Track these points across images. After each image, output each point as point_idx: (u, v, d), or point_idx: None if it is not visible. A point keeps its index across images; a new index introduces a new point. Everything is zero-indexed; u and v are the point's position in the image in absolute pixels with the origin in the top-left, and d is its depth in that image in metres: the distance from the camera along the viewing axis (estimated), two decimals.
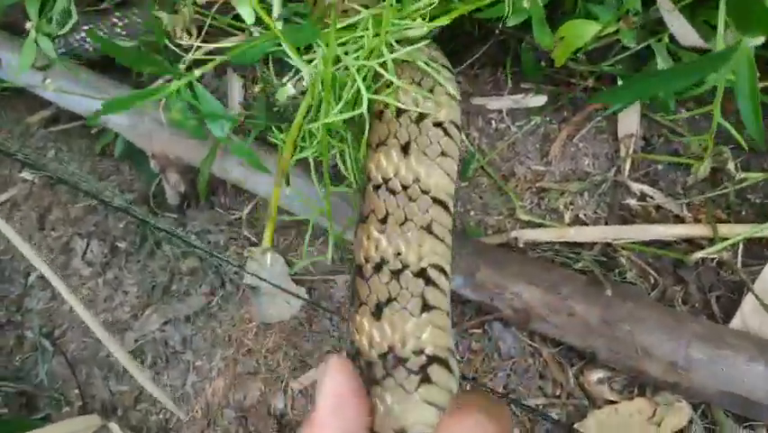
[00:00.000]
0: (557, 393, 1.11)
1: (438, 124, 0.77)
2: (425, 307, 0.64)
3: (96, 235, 1.44)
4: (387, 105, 0.78)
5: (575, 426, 1.06)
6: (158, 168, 1.30)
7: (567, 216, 1.15)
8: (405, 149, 0.75)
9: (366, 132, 0.80)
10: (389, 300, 0.64)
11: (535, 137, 1.19)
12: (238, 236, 1.34)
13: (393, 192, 0.71)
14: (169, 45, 1.07)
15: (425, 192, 0.72)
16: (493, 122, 1.20)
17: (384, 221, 0.69)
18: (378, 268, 0.66)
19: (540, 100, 1.19)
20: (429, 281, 0.66)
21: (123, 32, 1.33)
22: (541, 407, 1.10)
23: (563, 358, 1.11)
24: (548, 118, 1.19)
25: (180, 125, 1.19)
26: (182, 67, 1.12)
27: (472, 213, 1.19)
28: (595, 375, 1.09)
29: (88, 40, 1.34)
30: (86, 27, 1.33)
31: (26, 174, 1.58)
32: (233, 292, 1.30)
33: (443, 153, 0.76)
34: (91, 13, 1.34)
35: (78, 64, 1.34)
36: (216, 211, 1.38)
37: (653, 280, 1.09)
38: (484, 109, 1.20)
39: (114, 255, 1.43)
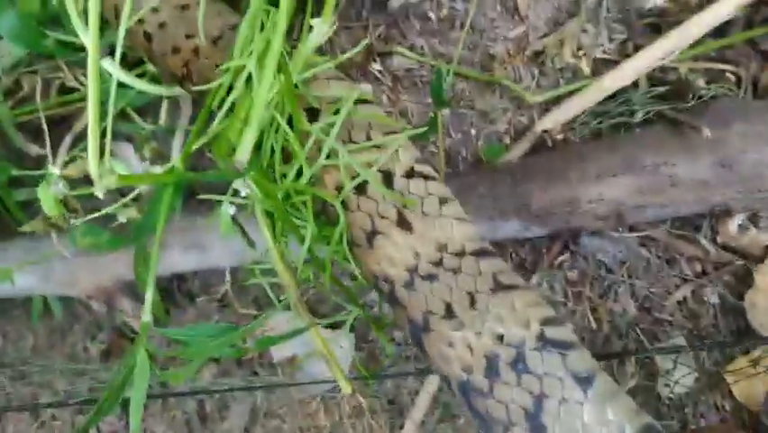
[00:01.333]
0: (703, 270, 0.85)
1: (410, 174, 0.57)
2: None
3: None
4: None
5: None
6: (105, 306, 1.01)
7: (586, 66, 0.86)
8: (402, 223, 0.55)
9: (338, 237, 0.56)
10: None
11: (491, 1, 0.88)
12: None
13: (431, 278, 0.55)
14: None
15: (461, 254, 0.55)
16: (431, 14, 0.89)
17: (450, 314, 0.54)
18: (491, 368, 0.52)
19: None
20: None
21: None
22: (690, 296, 0.85)
23: (686, 231, 0.85)
24: None
25: (96, 247, 0.91)
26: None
27: (474, 132, 0.90)
28: (732, 226, 0.82)
29: None
30: None
31: None
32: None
33: (439, 199, 0.57)
34: None
35: None
36: (198, 302, 1.10)
37: (734, 79, 0.81)
38: (416, 9, 0.89)
39: None
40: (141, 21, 0.74)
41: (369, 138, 0.58)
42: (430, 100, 0.90)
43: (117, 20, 0.76)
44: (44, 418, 1.26)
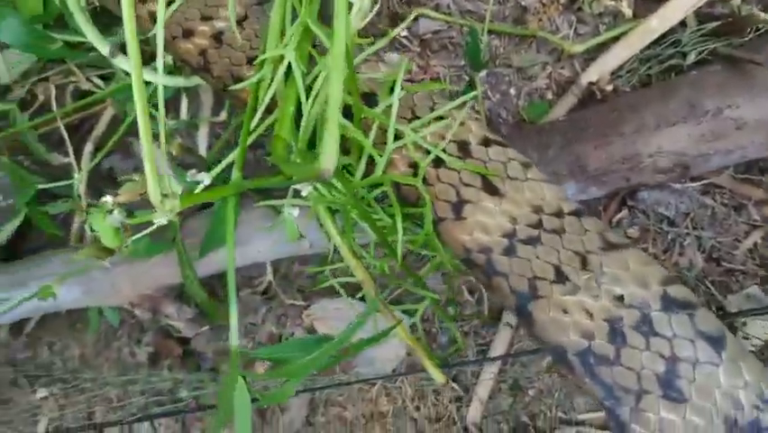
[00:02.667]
0: None
1: (486, 142, 0.54)
2: None
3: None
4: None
5: None
6: (149, 312, 0.99)
7: (627, 8, 0.80)
8: (489, 189, 0.51)
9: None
10: None
11: None
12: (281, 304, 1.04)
13: (532, 241, 0.50)
14: None
15: (560, 214, 0.51)
16: None
17: (561, 278, 0.49)
18: (615, 333, 0.48)
19: None
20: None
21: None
22: (760, 242, 0.80)
23: (752, 175, 0.79)
24: None
25: (136, 254, 0.88)
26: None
27: (513, 91, 0.85)
28: None
29: None
30: None
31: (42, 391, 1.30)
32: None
33: (522, 163, 0.54)
34: None
35: None
36: (242, 296, 1.07)
37: None
38: None
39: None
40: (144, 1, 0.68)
41: (432, 110, 0.53)
42: (463, 62, 0.85)
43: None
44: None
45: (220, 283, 1.09)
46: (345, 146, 0.56)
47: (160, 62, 0.57)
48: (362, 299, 0.99)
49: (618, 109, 0.74)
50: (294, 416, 1.04)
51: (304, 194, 0.61)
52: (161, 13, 0.50)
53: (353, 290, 1.03)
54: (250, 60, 0.63)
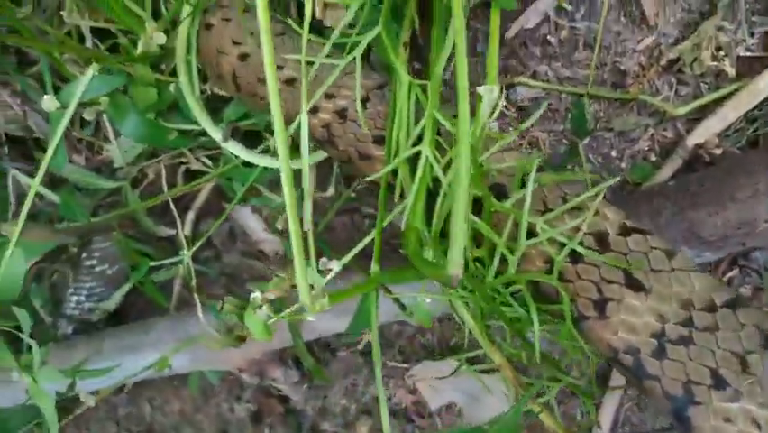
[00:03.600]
0: None
1: (625, 231, 0.53)
2: None
3: None
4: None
5: None
6: (256, 377, 1.02)
7: (730, 68, 0.79)
8: (633, 285, 0.50)
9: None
10: None
11: (613, 12, 0.82)
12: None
13: (684, 341, 0.48)
14: None
15: (712, 309, 0.49)
16: (550, 38, 0.84)
17: (720, 382, 0.48)
18: None
19: None
20: None
21: (106, 265, 1.08)
22: None
23: None
24: None
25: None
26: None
27: (615, 153, 0.85)
28: None
29: (84, 301, 1.11)
30: (73, 291, 1.08)
31: None
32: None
33: (665, 252, 0.52)
34: (64, 274, 1.09)
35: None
36: (340, 355, 1.09)
37: None
38: (533, 35, 0.84)
39: None
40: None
41: (564, 201, 0.54)
42: (562, 127, 0.85)
43: (217, 68, 0.75)
44: None
45: (318, 345, 1.11)
46: (478, 239, 0.57)
47: (305, 149, 0.59)
48: (463, 360, 1.00)
49: (730, 173, 0.74)
50: None
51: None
52: (305, 101, 0.52)
53: (452, 351, 1.04)
54: (375, 139, 0.65)
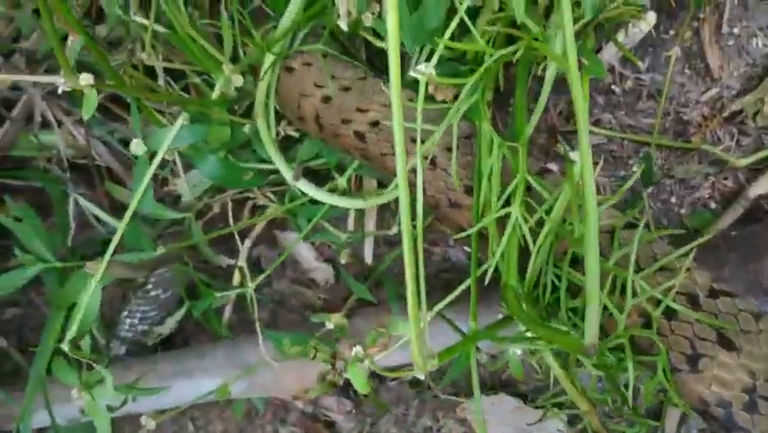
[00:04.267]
0: None
1: (714, 294, 0.56)
2: None
3: None
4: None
5: None
6: (311, 405, 1.04)
7: None
8: (724, 343, 0.53)
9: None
10: None
11: (678, 64, 0.85)
12: None
13: None
14: None
15: None
16: (615, 87, 0.87)
17: None
18: None
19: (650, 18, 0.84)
20: None
21: (160, 290, 1.11)
22: None
23: None
24: (661, 33, 0.85)
25: (301, 355, 0.93)
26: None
27: (674, 200, 0.88)
28: None
29: (138, 324, 1.13)
30: (128, 314, 1.10)
31: None
32: None
33: (753, 315, 0.55)
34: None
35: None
36: (390, 385, 1.11)
37: None
38: (598, 84, 0.87)
39: None
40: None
41: (654, 259, 0.57)
42: (623, 173, 0.88)
43: (299, 110, 0.77)
44: None
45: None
46: (572, 291, 0.59)
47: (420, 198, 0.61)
48: (515, 394, 1.02)
49: None
50: None
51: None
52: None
53: (503, 386, 1.06)
54: (465, 189, 0.68)
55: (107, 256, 0.75)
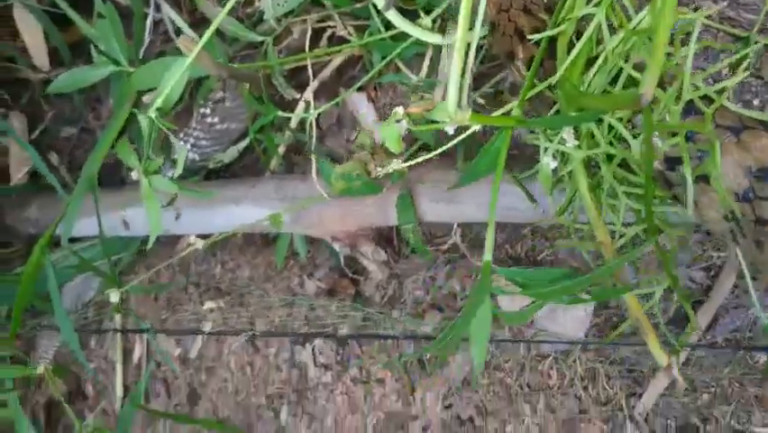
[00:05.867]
0: None
1: None
2: None
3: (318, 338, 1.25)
4: None
5: None
6: (347, 249, 1.06)
7: None
8: None
9: None
10: None
11: None
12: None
13: None
14: None
15: None
16: None
17: None
18: None
19: None
20: None
21: (216, 119, 1.12)
22: None
23: None
24: None
25: (348, 192, 0.95)
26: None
27: (756, 102, 0.86)
28: None
29: (192, 151, 1.15)
30: (181, 138, 1.13)
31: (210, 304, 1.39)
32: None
33: None
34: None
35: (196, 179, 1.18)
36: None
37: None
38: None
39: (345, 347, 1.24)
40: None
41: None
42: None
43: None
44: (260, 346, 1.34)
45: (399, 239, 1.14)
46: None
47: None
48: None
49: None
50: (454, 373, 1.09)
51: (569, 144, 0.65)
52: None
53: (528, 260, 1.06)
54: (546, 8, 0.68)
55: (203, 40, 0.75)
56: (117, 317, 1.35)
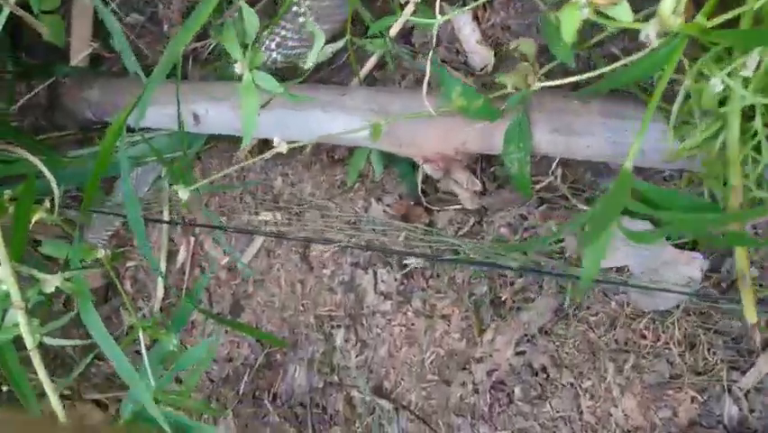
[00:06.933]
0: None
1: None
2: None
3: (380, 264, 1.19)
4: None
5: None
6: (439, 172, 0.98)
7: None
8: None
9: None
10: None
11: None
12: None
13: None
14: None
15: None
16: None
17: None
18: None
19: None
20: None
21: (312, 18, 1.04)
22: None
23: None
24: None
25: (464, 111, 0.87)
26: None
27: None
28: None
29: (273, 49, 1.06)
30: (267, 35, 1.05)
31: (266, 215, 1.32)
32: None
33: None
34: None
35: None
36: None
37: None
38: None
39: (409, 278, 1.18)
40: None
41: None
42: None
43: None
44: (314, 264, 1.29)
45: (484, 172, 1.07)
46: None
47: None
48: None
49: None
50: (531, 318, 1.03)
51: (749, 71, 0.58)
52: None
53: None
54: None
55: None
56: (166, 216, 1.30)
